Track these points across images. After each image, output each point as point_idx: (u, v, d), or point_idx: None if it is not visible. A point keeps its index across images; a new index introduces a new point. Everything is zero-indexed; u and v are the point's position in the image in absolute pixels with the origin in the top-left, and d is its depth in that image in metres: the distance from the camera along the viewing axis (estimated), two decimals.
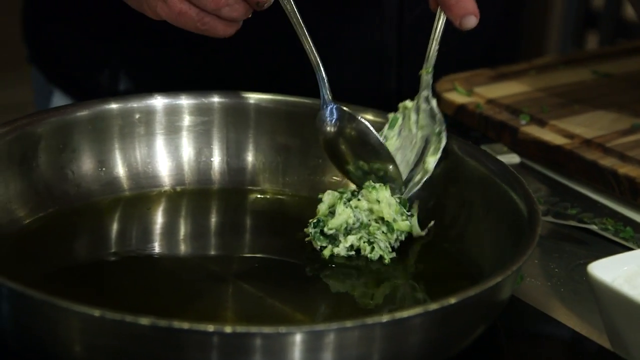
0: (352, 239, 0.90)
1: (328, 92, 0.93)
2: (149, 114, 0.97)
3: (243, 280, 0.86)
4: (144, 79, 1.18)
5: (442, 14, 0.93)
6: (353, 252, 0.90)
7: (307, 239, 0.91)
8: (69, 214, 0.92)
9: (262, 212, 0.96)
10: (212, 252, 0.91)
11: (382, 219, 0.91)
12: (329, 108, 0.93)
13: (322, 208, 0.91)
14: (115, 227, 0.92)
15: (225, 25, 0.90)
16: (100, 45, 1.18)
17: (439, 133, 0.94)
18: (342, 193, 0.91)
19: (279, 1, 0.90)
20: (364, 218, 0.90)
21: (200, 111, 0.97)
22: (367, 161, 0.93)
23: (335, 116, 0.93)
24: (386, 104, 1.04)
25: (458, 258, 0.90)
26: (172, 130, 0.97)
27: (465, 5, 0.91)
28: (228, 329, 0.69)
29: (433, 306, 0.73)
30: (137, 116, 0.96)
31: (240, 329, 0.69)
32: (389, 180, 0.93)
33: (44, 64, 1.26)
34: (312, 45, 0.92)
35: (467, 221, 0.91)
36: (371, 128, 0.92)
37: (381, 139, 0.93)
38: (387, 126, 0.96)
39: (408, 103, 0.96)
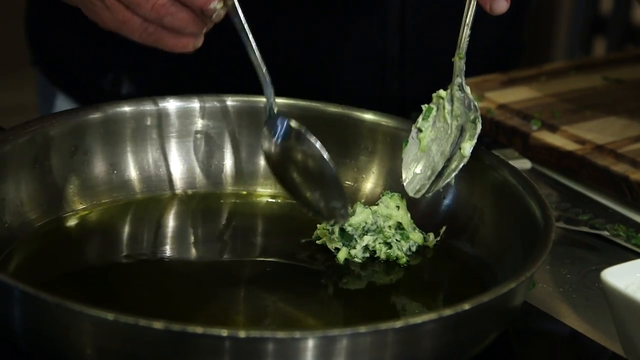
0: (368, 239, 0.90)
1: (274, 104, 0.89)
2: (162, 117, 0.96)
3: (255, 284, 0.86)
4: (147, 83, 1.18)
5: (472, 4, 0.91)
6: (367, 255, 0.90)
7: (319, 241, 0.91)
8: (81, 217, 0.92)
9: (274, 216, 0.96)
10: (224, 256, 0.91)
11: (397, 226, 0.90)
12: (276, 121, 0.89)
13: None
14: (127, 230, 0.92)
15: (174, 37, 0.87)
16: (103, 49, 1.18)
17: (474, 120, 0.92)
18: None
19: (229, 16, 0.86)
20: (381, 222, 0.90)
21: (212, 115, 0.97)
22: (311, 187, 0.88)
23: (281, 131, 0.89)
24: (388, 108, 1.04)
25: (471, 264, 0.89)
26: (185, 133, 0.97)
27: None
28: (242, 334, 0.69)
29: (447, 312, 0.73)
30: (150, 119, 0.96)
31: (254, 333, 0.69)
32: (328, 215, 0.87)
33: (47, 67, 1.26)
34: (260, 59, 0.87)
35: (480, 227, 0.91)
36: (321, 149, 0.87)
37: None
38: (420, 117, 0.93)
39: (442, 92, 0.94)
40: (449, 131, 0.93)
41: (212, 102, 0.97)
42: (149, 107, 0.96)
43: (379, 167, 0.97)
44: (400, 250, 0.90)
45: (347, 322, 0.74)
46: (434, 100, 0.94)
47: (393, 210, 0.91)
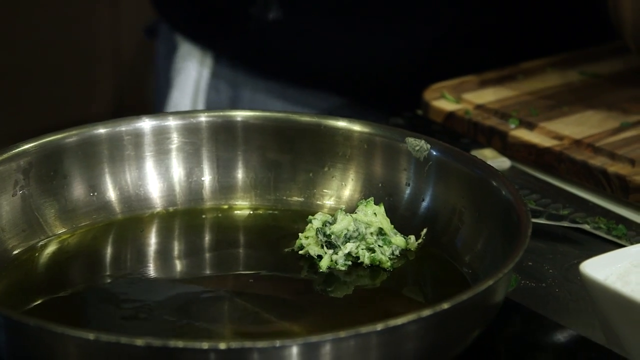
0: (350, 246, 0.90)
1: None
2: (138, 136, 0.97)
3: (239, 297, 0.87)
4: (294, 7, 1.16)
5: None
6: (350, 262, 0.90)
7: (301, 251, 0.91)
8: (62, 241, 0.93)
9: (255, 228, 0.97)
10: (207, 270, 0.91)
11: (379, 232, 0.91)
12: None
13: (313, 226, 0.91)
14: (109, 250, 0.93)
15: None
16: None
17: None
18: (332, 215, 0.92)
19: None
20: (362, 229, 0.91)
21: (188, 131, 0.98)
22: None
23: None
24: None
25: (453, 264, 0.90)
26: (161, 151, 0.97)
27: None
28: (222, 346, 0.69)
29: (426, 312, 0.73)
30: (126, 139, 0.97)
31: (234, 344, 0.69)
32: None
33: (168, 14, 1.25)
34: None
35: (459, 226, 0.91)
36: None
37: None
38: None
39: None
40: None
41: (187, 119, 0.98)
42: (124, 127, 0.97)
43: (356, 173, 0.98)
44: (383, 255, 0.91)
45: (332, 328, 0.74)
46: None
47: (372, 216, 0.92)
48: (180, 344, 0.69)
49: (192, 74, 1.28)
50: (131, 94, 2.28)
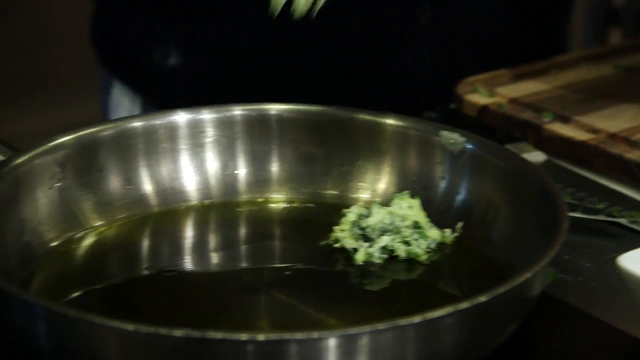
0: (386, 239, 0.90)
1: None
2: (172, 130, 0.97)
3: (275, 289, 0.87)
4: (193, 55, 1.19)
5: None
6: (386, 255, 0.91)
7: (337, 244, 0.92)
8: (99, 233, 0.93)
9: (290, 221, 0.97)
10: (243, 263, 0.91)
11: (414, 225, 0.91)
12: None
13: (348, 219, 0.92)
14: (146, 243, 0.93)
15: None
16: (151, 27, 1.20)
17: None
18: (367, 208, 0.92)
19: None
20: (398, 222, 0.91)
21: (222, 125, 0.98)
22: None
23: None
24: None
25: (489, 257, 0.90)
26: (196, 145, 0.98)
27: None
28: (261, 337, 0.69)
29: (464, 305, 0.73)
30: (161, 132, 0.97)
31: (273, 336, 0.70)
32: None
33: (105, 55, 1.29)
34: None
35: (495, 220, 0.91)
36: None
37: None
38: None
39: None
40: None
41: (221, 113, 0.98)
42: (159, 120, 0.97)
43: (391, 167, 0.98)
44: (419, 248, 0.91)
45: (368, 321, 0.74)
46: None
47: (407, 210, 0.92)
48: (219, 335, 0.69)
49: (125, 111, 1.30)
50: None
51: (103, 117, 1.33)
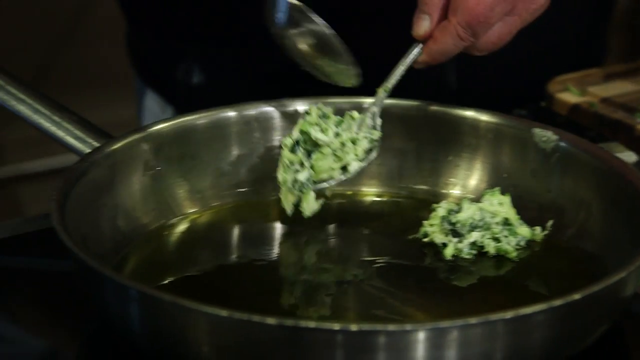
0: (476, 235, 0.90)
1: None
2: (266, 121, 0.98)
3: (363, 282, 0.87)
4: (215, 73, 1.21)
5: (416, 49, 0.92)
6: (475, 251, 0.90)
7: (426, 239, 0.92)
8: (191, 220, 0.94)
9: (379, 215, 0.97)
10: (332, 255, 0.92)
11: (505, 222, 0.91)
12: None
13: (437, 214, 0.92)
14: (236, 232, 0.94)
15: None
16: (175, 44, 1.22)
17: (371, 149, 0.94)
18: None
19: None
20: (488, 218, 0.91)
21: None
22: (320, 55, 0.93)
23: (282, 12, 0.93)
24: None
25: (579, 256, 0.89)
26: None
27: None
28: (354, 327, 0.70)
29: (557, 302, 0.73)
30: (254, 123, 0.98)
31: (365, 327, 0.70)
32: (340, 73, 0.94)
33: (139, 67, 1.32)
34: None
35: (587, 219, 0.91)
36: (323, 23, 0.92)
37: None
38: (330, 120, 0.94)
39: (355, 114, 0.95)
40: (345, 148, 0.94)
41: (315, 104, 0.98)
42: (253, 111, 0.98)
43: (482, 163, 0.98)
44: (509, 245, 0.90)
45: (457, 316, 0.74)
46: (346, 118, 0.95)
47: (498, 206, 0.92)
48: (311, 324, 0.70)
49: (155, 118, 1.32)
50: None
51: (138, 119, 1.35)
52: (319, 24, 0.92)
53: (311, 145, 0.93)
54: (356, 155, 0.93)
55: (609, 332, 0.80)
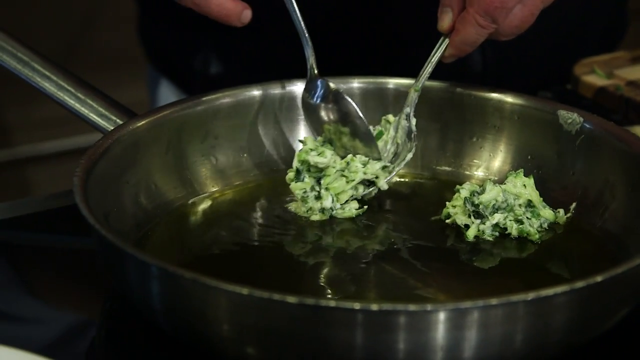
0: (498, 217, 0.90)
1: (315, 65, 0.95)
2: (290, 100, 0.98)
3: (385, 262, 0.87)
4: (233, 63, 1.21)
5: (444, 43, 0.93)
6: (497, 233, 0.90)
7: (448, 220, 0.91)
8: (214, 199, 0.94)
9: (402, 196, 0.97)
10: (353, 235, 0.92)
11: (528, 204, 0.90)
12: (316, 82, 0.95)
13: (460, 196, 0.91)
14: (258, 212, 0.94)
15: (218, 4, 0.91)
16: (193, 33, 1.22)
17: (410, 149, 0.95)
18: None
19: None
20: (511, 200, 0.90)
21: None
22: (348, 138, 0.94)
23: (320, 91, 0.95)
24: None
25: (603, 239, 0.89)
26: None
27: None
28: (374, 307, 0.70)
29: (579, 284, 0.72)
30: (278, 103, 0.98)
31: (386, 306, 0.70)
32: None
33: (154, 56, 1.32)
34: (300, 19, 0.93)
35: (610, 201, 0.90)
36: (356, 108, 0.94)
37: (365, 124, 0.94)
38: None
39: (390, 118, 0.96)
40: (385, 154, 0.95)
41: (339, 85, 0.98)
42: (277, 90, 0.98)
43: (506, 145, 0.97)
44: (532, 227, 0.90)
45: (479, 297, 0.74)
46: (382, 123, 0.96)
47: (521, 188, 0.91)
48: (332, 303, 0.70)
49: None
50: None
51: (151, 106, 1.35)
52: (353, 106, 0.94)
53: (316, 172, 0.93)
54: (365, 173, 0.94)
55: (631, 315, 0.79)
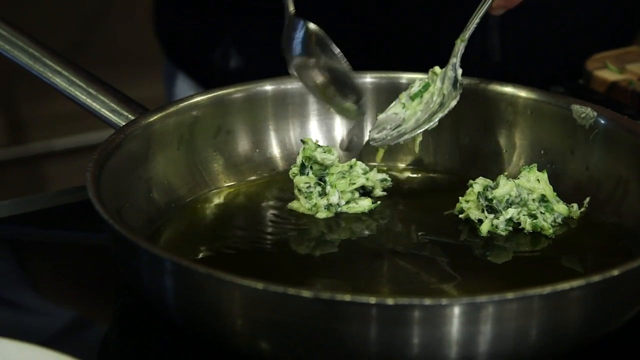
0: (512, 212, 0.89)
1: (291, 3, 0.94)
2: (302, 95, 0.98)
3: (398, 257, 0.87)
4: (252, 57, 1.20)
5: None
6: (511, 228, 0.90)
7: (461, 215, 0.91)
8: (227, 194, 0.94)
9: (415, 190, 0.97)
10: (366, 230, 0.91)
11: (541, 199, 0.90)
12: (295, 22, 0.94)
13: (474, 190, 0.91)
14: (270, 207, 0.94)
15: None
16: (212, 27, 1.22)
17: (455, 97, 0.94)
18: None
19: None
20: (525, 195, 0.90)
21: (352, 92, 0.98)
22: (335, 88, 0.94)
23: (300, 32, 0.94)
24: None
25: (616, 234, 0.88)
26: (324, 111, 0.98)
27: None
28: (390, 301, 0.69)
29: (595, 278, 0.72)
30: (291, 98, 0.98)
31: (402, 300, 0.69)
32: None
33: (171, 51, 1.32)
34: None
35: (624, 196, 0.90)
36: (338, 51, 0.93)
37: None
38: (416, 87, 0.96)
39: (437, 69, 0.96)
40: (431, 105, 0.94)
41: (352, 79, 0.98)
42: (290, 85, 0.98)
43: (519, 139, 0.97)
44: (545, 222, 0.90)
45: (492, 292, 0.73)
46: (430, 75, 0.96)
47: (535, 183, 0.91)
48: (347, 297, 0.70)
49: None
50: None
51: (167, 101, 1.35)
52: (337, 55, 0.93)
53: (319, 170, 0.93)
54: (367, 179, 0.94)
55: None
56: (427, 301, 0.70)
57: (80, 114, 0.98)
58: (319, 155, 0.92)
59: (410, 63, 1.01)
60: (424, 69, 0.97)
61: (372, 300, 0.70)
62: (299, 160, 0.93)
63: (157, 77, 1.42)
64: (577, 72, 1.19)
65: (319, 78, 0.94)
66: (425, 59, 0.98)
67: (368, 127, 0.99)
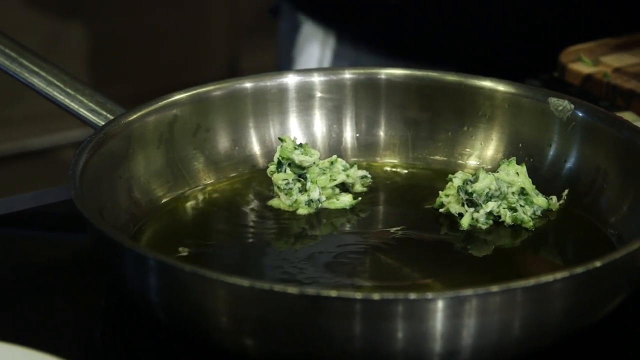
0: (492, 205, 0.90)
1: None
2: (282, 92, 0.98)
3: (380, 253, 0.87)
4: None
5: None
6: (491, 221, 0.90)
7: (442, 209, 0.92)
8: (207, 192, 0.94)
9: (395, 185, 0.97)
10: (347, 226, 0.92)
11: (521, 192, 0.91)
12: None
13: (454, 184, 0.91)
14: (251, 204, 0.94)
15: None
16: None
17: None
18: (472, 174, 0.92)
19: None
20: (504, 188, 0.91)
21: (331, 88, 0.98)
22: None
23: None
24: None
25: (596, 225, 0.89)
26: (304, 107, 0.98)
27: None
28: (376, 296, 0.70)
29: (578, 270, 0.73)
30: (270, 95, 0.98)
31: (388, 295, 0.70)
32: None
33: None
34: None
35: (603, 187, 0.91)
36: None
37: None
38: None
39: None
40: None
41: (330, 76, 0.98)
42: (269, 82, 0.98)
43: (498, 133, 0.97)
44: (525, 215, 0.90)
45: (474, 286, 0.74)
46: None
47: (514, 176, 0.91)
48: (333, 293, 0.70)
49: (314, 54, 1.29)
50: (247, 60, 2.28)
51: (282, 66, 1.31)
52: None
53: (297, 169, 0.93)
54: (347, 176, 0.94)
55: (627, 301, 0.80)
56: (413, 296, 0.70)
57: (55, 113, 0.98)
58: (296, 157, 0.92)
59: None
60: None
61: (358, 295, 0.70)
62: (276, 158, 0.93)
63: (138, 75, 1.40)
64: (552, 65, 1.20)
65: None
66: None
67: (347, 124, 0.99)
